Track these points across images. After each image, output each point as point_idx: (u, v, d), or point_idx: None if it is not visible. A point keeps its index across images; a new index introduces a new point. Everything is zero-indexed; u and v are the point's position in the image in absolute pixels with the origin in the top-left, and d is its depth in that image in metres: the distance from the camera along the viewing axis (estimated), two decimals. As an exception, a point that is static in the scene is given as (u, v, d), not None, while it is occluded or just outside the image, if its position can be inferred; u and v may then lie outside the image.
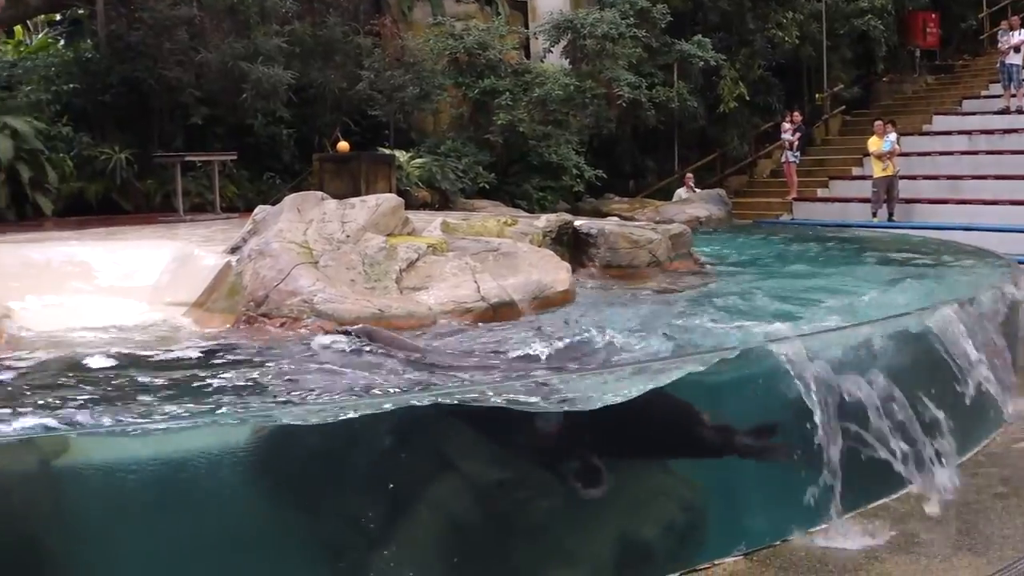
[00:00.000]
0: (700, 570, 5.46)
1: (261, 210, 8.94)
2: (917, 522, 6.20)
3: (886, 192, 21.65)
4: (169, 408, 5.00)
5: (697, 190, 22.88)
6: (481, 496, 4.99)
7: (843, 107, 28.59)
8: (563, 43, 22.02)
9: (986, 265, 10.33)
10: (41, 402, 5.22)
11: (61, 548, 4.20)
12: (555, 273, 8.31)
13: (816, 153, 26.86)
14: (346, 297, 7.25)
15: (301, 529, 4.60)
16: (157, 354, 6.52)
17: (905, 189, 22.15)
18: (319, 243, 7.97)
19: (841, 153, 26.41)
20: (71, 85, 16.97)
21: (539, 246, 9.25)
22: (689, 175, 23.53)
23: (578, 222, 10.47)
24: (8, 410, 4.99)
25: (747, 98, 24.97)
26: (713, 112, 24.95)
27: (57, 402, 5.18)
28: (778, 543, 5.86)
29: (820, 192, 24.44)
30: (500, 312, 7.47)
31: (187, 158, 15.83)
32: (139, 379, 5.78)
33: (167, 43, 17.27)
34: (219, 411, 4.95)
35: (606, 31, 21.22)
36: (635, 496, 5.35)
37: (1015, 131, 23.26)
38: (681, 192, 22.89)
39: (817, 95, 28.06)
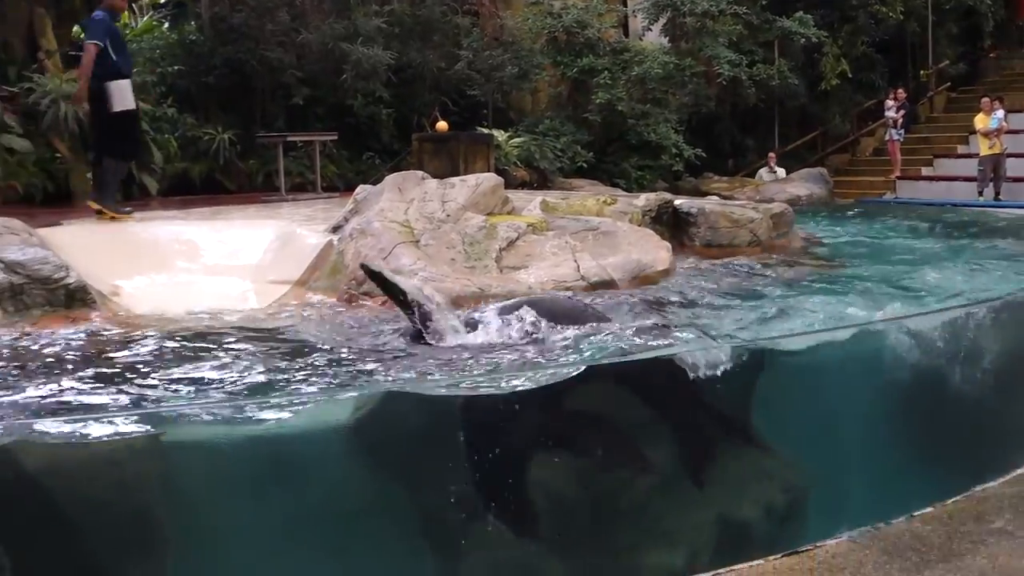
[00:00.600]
0: (802, 552, 5.41)
1: (362, 189, 9.02)
2: (1025, 506, 6.07)
3: (992, 171, 21.23)
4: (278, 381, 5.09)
5: (779, 169, 22.60)
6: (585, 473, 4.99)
7: (948, 84, 28.03)
8: (662, 21, 21.90)
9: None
10: (148, 379, 5.32)
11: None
12: (655, 252, 8.27)
13: (920, 131, 26.38)
14: (447, 276, 7.29)
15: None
16: (263, 331, 6.61)
17: (1012, 168, 21.69)
18: (420, 222, 8.02)
19: (946, 131, 25.91)
20: (175, 67, 17.25)
21: (638, 225, 9.21)
22: (772, 154, 23.25)
23: (678, 201, 10.40)
24: (117, 386, 5.11)
25: (849, 75, 24.59)
26: (814, 90, 24.61)
27: (166, 379, 5.28)
28: (881, 525, 5.78)
29: (924, 171, 24.02)
30: (599, 291, 7.46)
31: (289, 138, 16.01)
32: (250, 354, 5.87)
33: (269, 24, 17.49)
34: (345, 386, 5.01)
35: (706, 8, 21.06)
36: (736, 476, 5.31)
37: None
38: (764, 172, 22.64)
39: (922, 72, 27.54)
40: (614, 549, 5.01)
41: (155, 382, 5.26)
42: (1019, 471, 6.61)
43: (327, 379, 5.28)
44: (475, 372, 5.38)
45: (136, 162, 14.30)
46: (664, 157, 20.63)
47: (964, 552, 5.44)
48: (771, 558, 5.30)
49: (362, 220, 8.14)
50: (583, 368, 5.12)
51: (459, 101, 19.63)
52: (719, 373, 5.16)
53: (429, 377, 5.31)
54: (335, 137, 16.81)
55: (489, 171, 12.58)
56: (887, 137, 24.33)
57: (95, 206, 10.28)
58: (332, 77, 17.55)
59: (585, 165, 19.70)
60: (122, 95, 10.35)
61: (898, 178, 23.79)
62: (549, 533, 4.88)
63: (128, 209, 10.82)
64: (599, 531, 4.98)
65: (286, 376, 5.35)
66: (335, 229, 8.63)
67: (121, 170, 11.16)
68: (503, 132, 18.80)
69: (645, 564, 5.08)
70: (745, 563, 5.23)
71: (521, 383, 4.85)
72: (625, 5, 24.04)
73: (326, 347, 6.08)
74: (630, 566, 5.04)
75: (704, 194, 16.80)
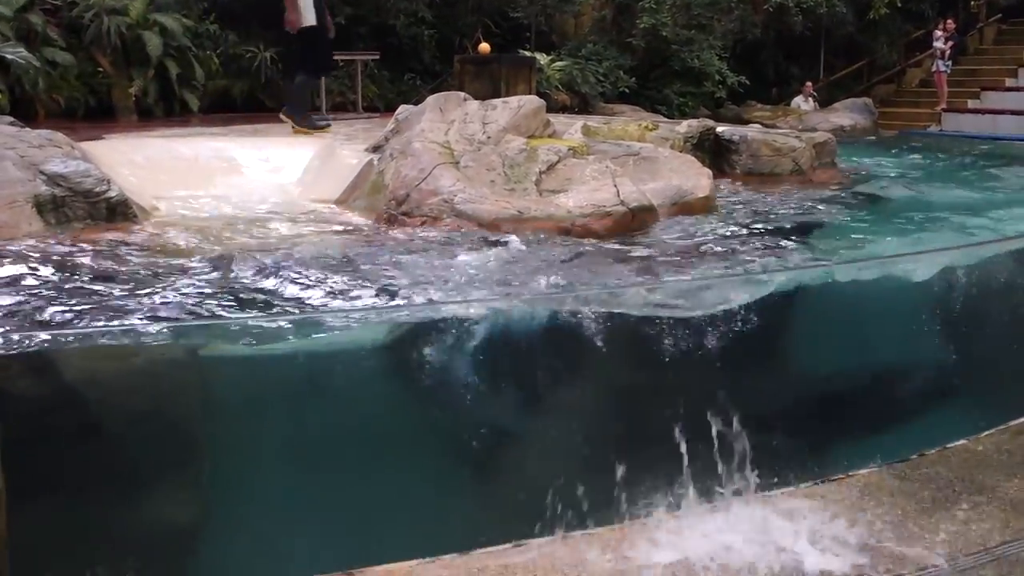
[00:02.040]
0: (834, 479, 5.43)
1: (404, 109, 9.00)
2: (1061, 441, 6.07)
3: (1041, 104, 20.96)
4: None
5: (812, 98, 22.36)
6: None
7: (999, 15, 27.53)
8: (711, -56, 21.60)
9: None
10: (185, 292, 5.37)
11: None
12: (696, 179, 8.23)
13: (968, 63, 25.98)
14: (486, 198, 7.29)
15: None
16: (308, 246, 6.65)
17: (1061, 102, 21.40)
18: (460, 144, 8.00)
19: (995, 63, 25.51)
20: (219, -17, 17.19)
21: (680, 151, 9.17)
22: (809, 84, 22.98)
23: (720, 128, 10.33)
24: (154, 299, 5.16)
25: (898, 4, 24.18)
26: (862, 18, 24.23)
27: (203, 292, 5.33)
28: (914, 456, 5.79)
29: (971, 103, 23.70)
30: (639, 216, 7.44)
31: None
32: (290, 269, 5.91)
33: (312, -58, 17.33)
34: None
35: (755, -67, 20.76)
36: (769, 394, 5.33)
37: None
38: (799, 100, 22.39)
39: (972, 2, 27.08)
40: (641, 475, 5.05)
41: (193, 296, 5.31)
42: (1055, 406, 6.60)
43: (367, 297, 5.31)
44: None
45: (177, 78, 14.36)
46: (707, 84, 20.45)
47: (996, 484, 5.45)
48: (803, 485, 5.33)
49: (402, 140, 8.13)
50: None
51: (502, 23, 19.48)
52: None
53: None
54: (377, 56, 16.73)
55: (531, 94, 12.52)
56: (934, 68, 24.00)
57: (287, 119, 10.58)
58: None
59: (627, 90, 19.55)
60: (302, 12, 10.63)
61: (944, 110, 23.50)
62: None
63: (325, 123, 11.00)
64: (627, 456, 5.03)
65: (326, 293, 5.38)
66: (375, 149, 8.64)
67: (311, 85, 11.48)
68: (545, 55, 18.67)
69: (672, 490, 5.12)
70: (782, 489, 5.27)
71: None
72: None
73: (366, 264, 6.11)
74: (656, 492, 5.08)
75: (746, 122, 16.60)
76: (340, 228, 7.47)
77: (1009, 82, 23.75)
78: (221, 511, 4.28)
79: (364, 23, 17.93)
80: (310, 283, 5.57)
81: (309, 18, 10.67)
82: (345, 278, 5.74)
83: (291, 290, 5.39)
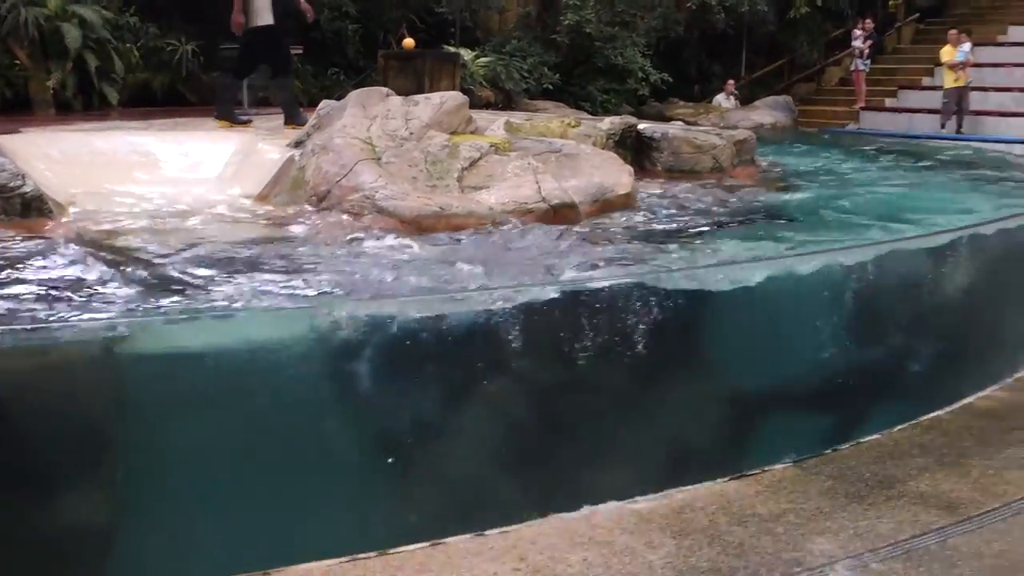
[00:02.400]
0: (749, 475, 5.51)
1: (325, 105, 8.97)
2: (969, 436, 6.20)
3: (956, 104, 21.33)
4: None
5: (734, 96, 22.62)
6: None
7: (917, 15, 28.02)
8: (635, -58, 21.75)
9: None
10: (103, 288, 5.32)
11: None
12: (617, 176, 8.28)
13: (886, 62, 26.40)
14: (407, 194, 7.28)
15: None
16: (221, 243, 6.60)
17: (976, 101, 21.79)
18: (382, 139, 7.99)
19: (912, 62, 25.94)
20: (139, -25, 16.98)
21: (602, 148, 9.22)
22: (731, 81, 23.24)
23: (642, 125, 10.41)
24: (71, 296, 5.11)
25: (819, 3, 24.54)
26: (783, 17, 24.55)
27: (121, 289, 5.28)
28: (829, 451, 5.89)
29: (888, 102, 24.10)
30: (560, 213, 7.48)
31: (252, 51, 15.82)
32: (205, 265, 5.87)
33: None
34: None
35: (678, -70, 20.94)
36: (684, 396, 5.38)
37: (1093, 44, 22.80)
38: (721, 98, 22.63)
39: (890, 2, 27.51)
40: (564, 469, 5.09)
41: (108, 292, 5.26)
42: (964, 401, 6.76)
43: (283, 293, 5.29)
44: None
45: (96, 71, 14.19)
46: (630, 81, 20.59)
47: (907, 478, 5.56)
48: (718, 481, 5.40)
49: (324, 136, 8.10)
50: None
51: (426, 19, 19.46)
52: (672, 298, 5.22)
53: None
54: (300, 51, 16.62)
55: (455, 90, 12.52)
56: (853, 67, 24.37)
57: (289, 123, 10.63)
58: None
59: (551, 87, 19.62)
60: (249, 13, 10.68)
61: (862, 109, 23.86)
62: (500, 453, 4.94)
63: (246, 118, 11.05)
64: (549, 451, 5.05)
65: (241, 288, 5.36)
66: (297, 144, 8.59)
67: (229, 85, 11.47)
68: (470, 51, 18.67)
69: (593, 484, 5.16)
70: (694, 484, 5.33)
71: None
72: (597, -76, 23.85)
73: (283, 260, 6.09)
74: (578, 486, 5.12)
75: (669, 119, 16.79)
76: (260, 223, 7.43)
77: (926, 81, 24.16)
78: (137, 511, 4.25)
79: (290, 17, 17.78)
80: (224, 279, 5.54)
81: (265, 18, 10.61)
82: (262, 274, 5.71)
83: (204, 286, 5.36)
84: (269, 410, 4.36)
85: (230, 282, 5.49)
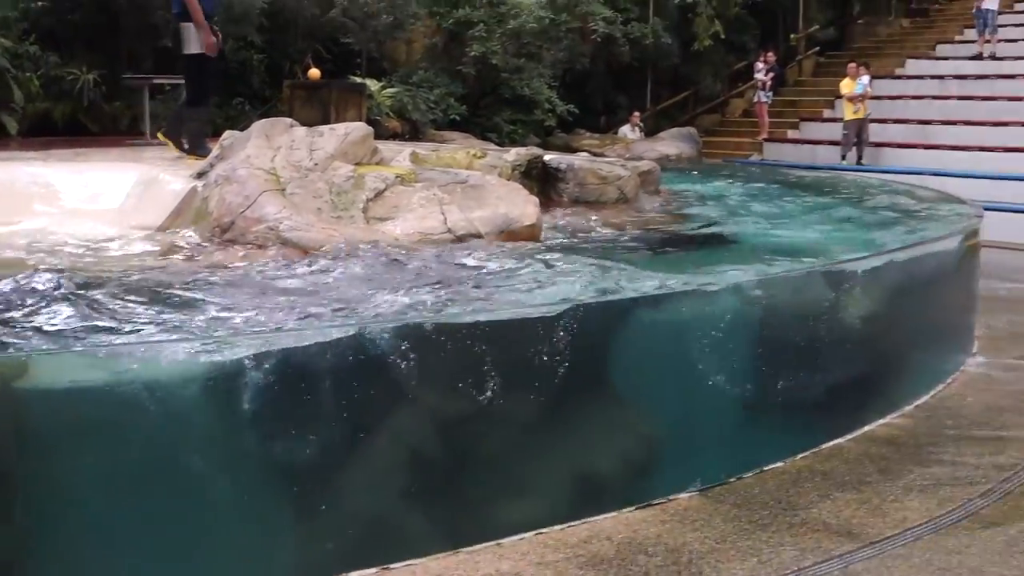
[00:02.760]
0: (655, 504, 5.53)
1: (229, 135, 8.88)
2: (869, 463, 6.29)
3: (856, 135, 21.74)
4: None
5: (639, 127, 22.85)
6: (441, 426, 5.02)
7: (817, 48, 28.58)
8: (539, -26, 21.91)
9: (953, 210, 10.40)
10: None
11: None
12: (523, 207, 8.29)
13: (788, 94, 26.87)
14: (312, 225, 7.23)
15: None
16: (121, 275, 6.48)
17: (875, 133, 22.24)
18: (287, 170, 7.93)
19: (813, 95, 26.43)
20: (39, 3, 16.70)
21: (508, 179, 9.22)
22: (636, 113, 23.49)
23: (547, 156, 10.44)
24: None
25: (722, 36, 24.90)
26: (687, 50, 24.89)
27: (20, 323, 5.17)
28: (733, 480, 5.94)
29: (791, 133, 24.50)
30: (466, 244, 7.48)
31: (155, 81, 15.66)
32: (103, 300, 5.76)
33: (137, -38, 17.08)
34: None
35: (583, -36, 21.15)
36: (590, 428, 5.39)
37: (987, 77, 23.36)
38: (626, 130, 22.86)
39: (792, 35, 28.03)
40: (470, 501, 5.07)
41: (8, 327, 5.14)
42: (866, 428, 6.87)
43: (182, 326, 5.21)
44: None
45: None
46: (537, 112, 20.70)
47: (810, 505, 5.63)
48: (625, 510, 5.42)
49: (227, 166, 8.02)
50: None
51: (333, 49, 19.41)
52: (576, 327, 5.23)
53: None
54: (184, 82, 16.49)
55: (361, 121, 12.48)
56: (756, 99, 24.75)
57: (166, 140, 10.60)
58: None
59: (458, 118, 19.66)
60: (189, 38, 10.43)
61: (765, 140, 24.22)
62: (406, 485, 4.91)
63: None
64: (456, 483, 5.03)
65: (146, 321, 5.26)
66: (200, 175, 8.50)
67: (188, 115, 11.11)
68: (376, 82, 18.65)
69: (500, 516, 5.15)
70: (599, 515, 5.34)
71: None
72: (503, -43, 24.01)
73: (182, 292, 5.99)
74: (485, 518, 5.11)
75: (575, 150, 16.85)
76: (161, 255, 7.32)
77: (827, 113, 24.60)
78: (37, 544, 4.16)
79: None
80: (124, 312, 5.44)
81: (195, 46, 10.50)
82: (160, 307, 5.61)
83: (103, 320, 5.26)
84: (151, 447, 4.30)
85: (123, 315, 5.39)
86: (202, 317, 5.35)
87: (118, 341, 4.80)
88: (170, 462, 4.32)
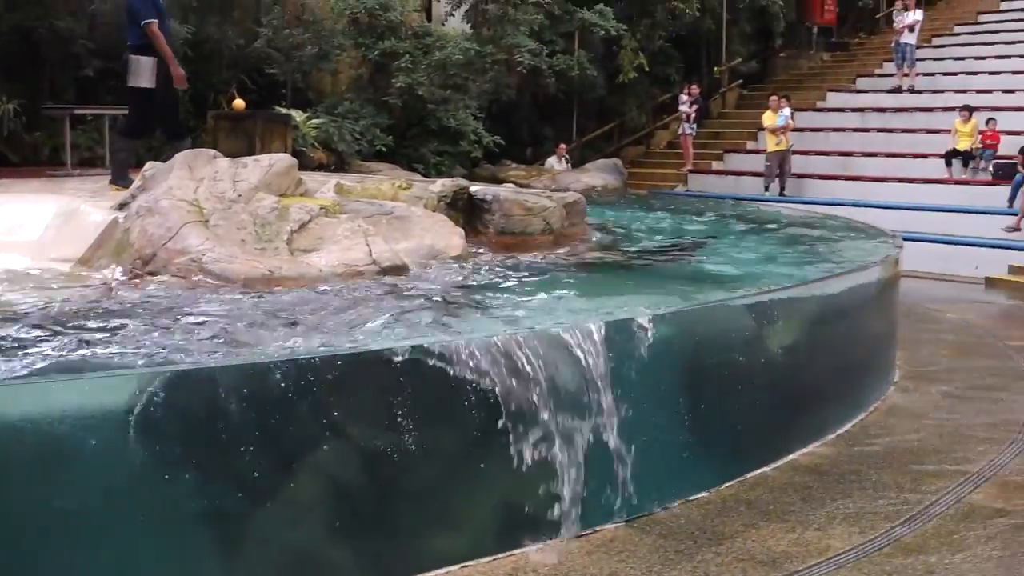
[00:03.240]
0: (580, 536, 5.52)
1: (151, 166, 8.79)
2: (793, 492, 6.34)
3: (779, 167, 22.03)
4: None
5: (565, 159, 22.96)
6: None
7: (740, 81, 28.96)
8: (465, 7, 22.02)
9: (873, 241, 10.55)
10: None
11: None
12: (448, 238, 8.30)
13: (712, 126, 27.19)
14: (235, 257, 7.17)
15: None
16: (34, 309, 6.38)
17: (797, 164, 22.56)
18: (210, 202, 7.86)
19: (737, 127, 26.77)
20: (-42, 32, 16.52)
21: (433, 211, 9.22)
22: (563, 145, 23.63)
23: (473, 188, 10.44)
24: None
25: (647, 69, 25.14)
26: (612, 82, 25.09)
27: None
28: (659, 510, 5.95)
29: (715, 165, 24.77)
30: (391, 275, 7.45)
31: (76, 111, 15.49)
32: (19, 333, 5.66)
33: (59, -8, 16.94)
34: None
35: (508, -4, 21.27)
36: (516, 458, 5.37)
37: (906, 110, 23.79)
38: (553, 161, 22.97)
39: (715, 68, 28.38)
40: (396, 534, 5.03)
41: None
42: (790, 457, 6.92)
43: (99, 360, 5.13)
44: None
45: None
46: (463, 143, 20.74)
47: (735, 535, 5.65)
48: (551, 542, 5.40)
49: (149, 198, 7.93)
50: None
51: (258, 80, 19.32)
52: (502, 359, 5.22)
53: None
54: (126, 111, 16.32)
55: (286, 152, 12.42)
56: (680, 131, 25.00)
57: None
58: (125, 49, 17.03)
59: (384, 149, 19.64)
60: (139, 71, 10.42)
61: (689, 171, 24.46)
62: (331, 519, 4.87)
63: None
64: (382, 516, 4.99)
65: (55, 356, 5.17)
66: (122, 206, 8.39)
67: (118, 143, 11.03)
68: (302, 113, 18.58)
69: (426, 550, 5.12)
70: (525, 548, 5.32)
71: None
72: (429, -10, 24.11)
73: (100, 325, 5.91)
74: (411, 552, 5.07)
75: (501, 181, 16.95)
76: (80, 288, 7.21)
77: (750, 145, 24.91)
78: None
79: (114, 76, 17.46)
80: (36, 346, 5.35)
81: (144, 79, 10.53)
82: (71, 339, 5.52)
83: (15, 354, 5.16)
84: (70, 482, 4.23)
85: (37, 349, 5.30)
86: (106, 351, 5.27)
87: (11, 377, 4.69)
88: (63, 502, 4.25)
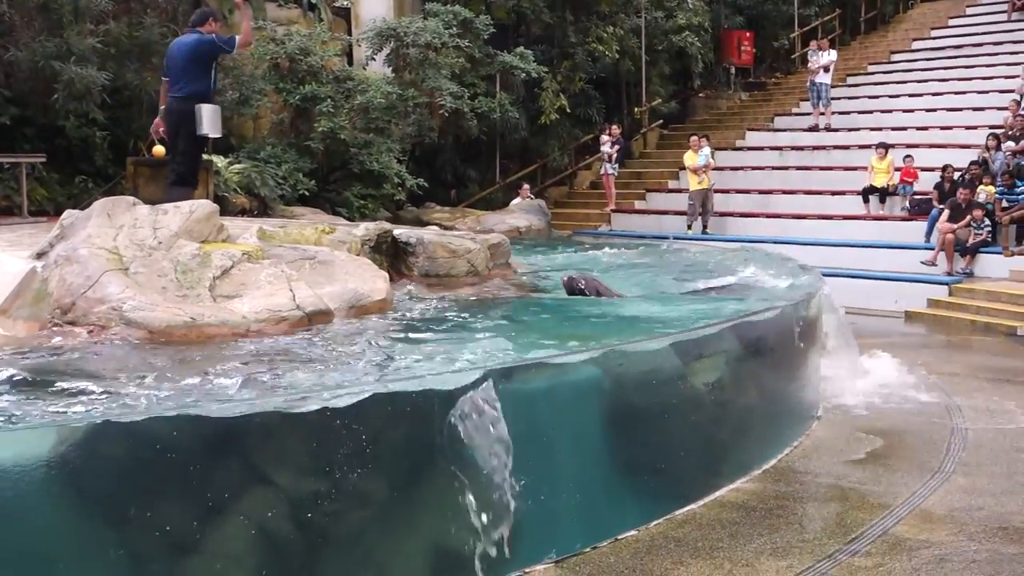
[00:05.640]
0: (510, 576, 5.52)
1: (69, 215, 8.68)
2: (721, 528, 6.37)
3: (701, 205, 22.25)
4: None
5: (530, 199, 22.98)
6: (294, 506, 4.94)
7: (661, 121, 29.22)
8: (386, 51, 22.03)
9: (794, 276, 10.68)
10: None
11: None
12: (372, 282, 8.28)
13: (634, 166, 27.42)
14: (156, 305, 7.09)
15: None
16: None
17: (719, 202, 22.81)
18: (130, 249, 7.78)
19: (658, 166, 27.01)
20: None
21: (357, 255, 9.21)
22: (526, 185, 23.68)
23: (397, 231, 10.45)
24: None
25: (568, 110, 25.30)
26: (535, 123, 25.21)
27: None
28: (588, 550, 5.95)
29: (637, 204, 24.96)
30: (315, 320, 7.42)
31: (-5, 159, 15.27)
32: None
33: (-26, 41, 16.73)
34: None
35: (429, 40, 21.32)
36: (443, 502, 5.36)
37: (823, 148, 24.18)
38: (516, 202, 22.97)
39: (636, 109, 28.64)
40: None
41: None
42: (717, 494, 6.97)
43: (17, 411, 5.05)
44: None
45: None
46: (387, 186, 20.68)
47: (665, 572, 5.67)
48: (479, 585, 5.38)
49: (68, 246, 7.84)
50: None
51: (178, 125, 19.15)
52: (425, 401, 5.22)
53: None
54: (43, 159, 16.12)
55: (208, 197, 12.32)
56: (602, 171, 25.16)
57: None
58: (42, 97, 16.87)
59: (307, 193, 19.53)
60: (212, 120, 10.57)
61: (612, 211, 24.61)
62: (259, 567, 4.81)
63: None
64: (311, 564, 4.95)
65: None
66: (40, 255, 8.27)
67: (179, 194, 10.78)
68: (223, 158, 18.44)
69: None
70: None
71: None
72: (349, 34, 24.09)
73: (18, 375, 5.82)
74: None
75: (426, 224, 16.91)
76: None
77: (672, 184, 25.14)
78: None
79: (31, 124, 17.28)
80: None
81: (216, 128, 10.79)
82: None
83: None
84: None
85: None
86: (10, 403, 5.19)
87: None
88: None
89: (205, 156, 17.27)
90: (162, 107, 10.88)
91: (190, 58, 10.59)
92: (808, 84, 25.64)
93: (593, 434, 6.18)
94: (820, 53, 24.88)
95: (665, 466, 6.69)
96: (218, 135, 11.29)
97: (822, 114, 25.05)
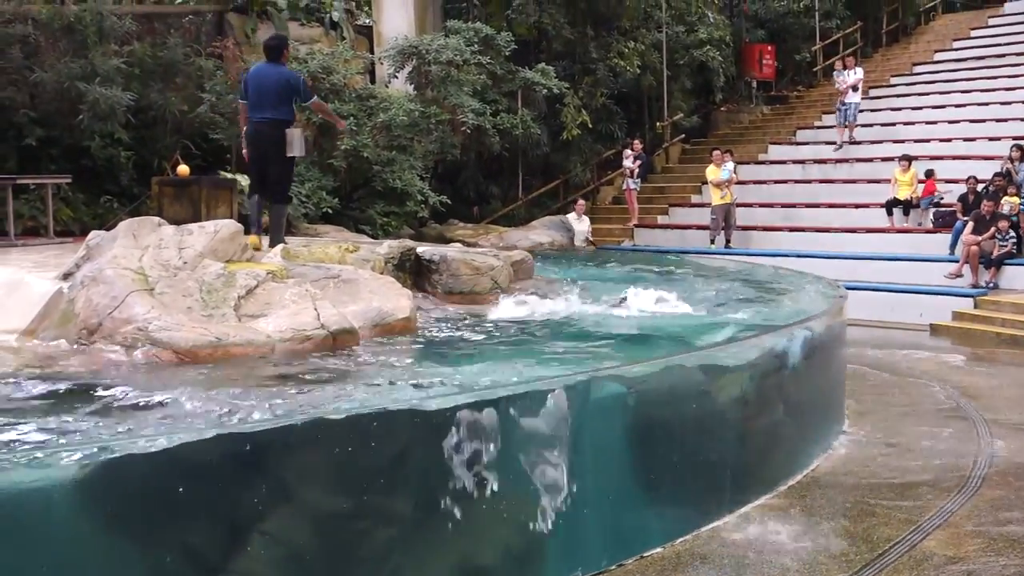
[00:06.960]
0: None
1: (95, 235, 8.76)
2: (747, 545, 6.35)
3: (724, 219, 22.20)
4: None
5: (585, 215, 22.98)
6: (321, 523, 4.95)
7: (683, 136, 29.18)
8: (408, 69, 22.11)
9: (817, 291, 10.65)
10: None
11: None
12: (396, 300, 8.31)
13: (656, 181, 27.37)
14: (182, 325, 7.13)
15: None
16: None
17: (742, 217, 22.73)
18: (155, 269, 7.83)
19: (680, 181, 26.97)
20: None
21: (381, 273, 9.25)
22: (581, 201, 23.67)
23: (420, 248, 10.48)
24: None
25: (590, 126, 25.31)
26: (556, 139, 25.23)
27: None
28: (614, 567, 5.95)
29: (660, 219, 24.89)
30: (340, 339, 7.43)
31: (18, 181, 15.37)
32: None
33: (0, 62, 16.85)
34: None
35: (451, 57, 21.38)
36: (472, 519, 5.35)
37: (846, 161, 24.09)
38: (572, 218, 22.92)
39: (658, 124, 28.61)
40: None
41: None
42: (743, 510, 6.94)
43: (49, 433, 5.08)
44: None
45: None
46: (409, 204, 20.73)
47: (690, 590, 5.66)
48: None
49: (94, 267, 7.89)
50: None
51: (202, 145, 19.25)
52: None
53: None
54: (69, 180, 16.25)
55: (233, 217, 12.41)
56: (624, 186, 25.12)
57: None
58: (68, 118, 17.02)
59: (330, 211, 19.60)
60: (300, 143, 10.77)
61: (635, 226, 24.57)
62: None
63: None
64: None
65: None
66: (66, 276, 8.35)
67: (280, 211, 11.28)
68: (247, 177, 18.50)
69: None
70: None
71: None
72: (371, 52, 24.19)
73: (46, 396, 5.85)
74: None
75: (449, 241, 16.96)
76: (23, 360, 7.13)
77: (694, 198, 25.09)
78: None
79: (56, 145, 17.44)
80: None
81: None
82: (14, 414, 5.46)
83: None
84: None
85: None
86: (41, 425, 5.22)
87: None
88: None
89: (229, 175, 17.46)
90: (243, 129, 10.97)
91: (282, 91, 10.72)
92: (837, 104, 25.32)
93: (617, 451, 6.17)
94: (846, 72, 24.67)
95: (692, 483, 6.68)
96: (304, 155, 11.81)
97: (847, 129, 24.88)
